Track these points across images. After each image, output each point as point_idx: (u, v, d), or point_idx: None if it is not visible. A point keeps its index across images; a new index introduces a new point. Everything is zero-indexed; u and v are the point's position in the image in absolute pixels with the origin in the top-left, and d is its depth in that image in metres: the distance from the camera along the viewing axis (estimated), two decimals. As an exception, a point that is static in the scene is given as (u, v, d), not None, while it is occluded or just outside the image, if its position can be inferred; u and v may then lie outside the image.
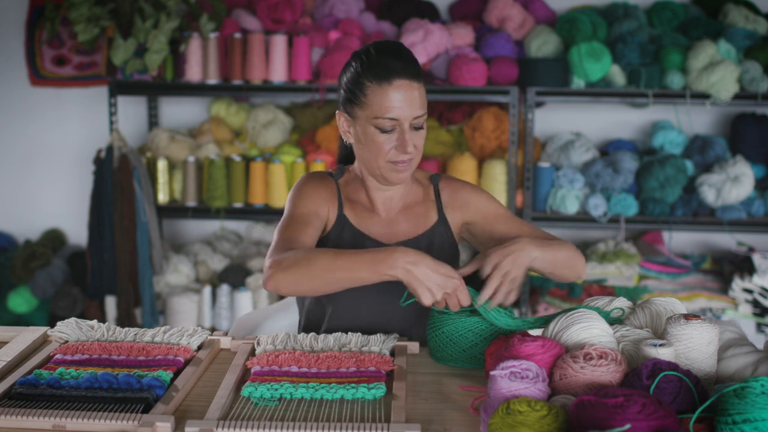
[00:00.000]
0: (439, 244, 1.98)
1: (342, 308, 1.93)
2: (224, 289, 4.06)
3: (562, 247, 1.83)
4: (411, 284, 1.63)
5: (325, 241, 1.95)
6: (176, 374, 1.65)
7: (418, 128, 1.84)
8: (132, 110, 4.40)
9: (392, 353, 1.77)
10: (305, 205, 1.91)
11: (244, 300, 4.05)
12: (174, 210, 4.07)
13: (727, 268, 4.01)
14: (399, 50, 1.85)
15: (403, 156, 1.84)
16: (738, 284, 3.84)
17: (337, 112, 1.93)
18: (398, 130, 1.83)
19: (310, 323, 2.02)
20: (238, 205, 4.02)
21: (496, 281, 1.68)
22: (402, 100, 1.80)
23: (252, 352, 1.78)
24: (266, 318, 2.21)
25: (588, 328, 1.56)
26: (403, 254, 1.63)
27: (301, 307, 2.06)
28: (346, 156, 2.07)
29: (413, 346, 1.82)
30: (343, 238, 1.94)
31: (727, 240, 4.22)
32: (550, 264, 1.79)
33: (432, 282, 1.63)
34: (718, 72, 3.72)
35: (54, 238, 4.41)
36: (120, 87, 3.96)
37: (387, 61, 1.82)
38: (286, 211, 1.92)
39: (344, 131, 1.92)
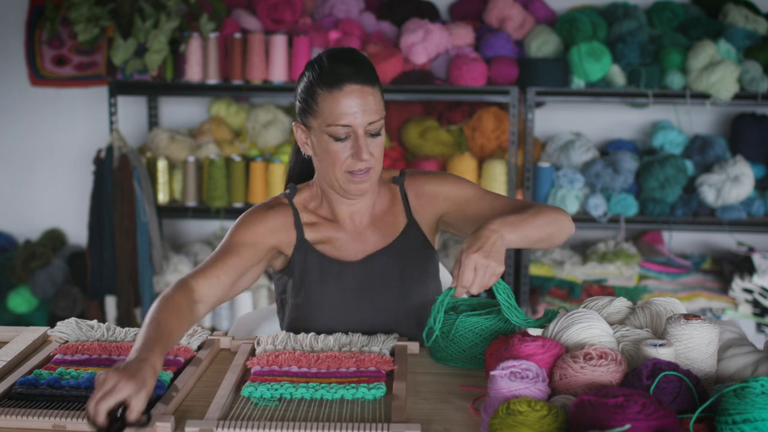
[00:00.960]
0: (412, 248, 1.93)
1: (322, 331, 1.89)
2: (224, 289, 4.05)
3: (539, 216, 1.74)
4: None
5: (292, 268, 1.90)
6: (176, 374, 1.65)
7: (374, 135, 1.78)
8: (132, 110, 4.40)
9: (392, 353, 1.77)
10: (240, 235, 1.84)
11: (244, 300, 4.05)
12: (174, 210, 4.07)
13: (727, 268, 4.01)
14: (351, 56, 1.80)
15: (360, 164, 1.78)
16: (738, 284, 3.84)
17: (293, 124, 1.87)
18: (353, 137, 1.77)
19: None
20: (238, 205, 4.02)
21: (469, 282, 1.59)
22: (354, 105, 1.75)
23: (252, 352, 1.78)
24: (266, 318, 2.21)
25: (588, 328, 1.56)
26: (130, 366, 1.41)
27: (284, 325, 2.03)
28: (299, 173, 2.01)
29: (413, 346, 1.82)
30: (307, 264, 1.89)
31: (727, 240, 4.22)
32: (528, 240, 1.72)
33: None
34: (718, 72, 3.72)
35: (54, 238, 4.41)
36: (120, 87, 3.96)
37: (337, 67, 1.77)
38: (224, 238, 1.86)
39: (302, 143, 1.87)
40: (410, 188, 1.96)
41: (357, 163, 1.78)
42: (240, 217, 1.91)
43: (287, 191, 1.96)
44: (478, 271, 1.58)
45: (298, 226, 1.91)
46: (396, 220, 1.94)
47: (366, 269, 1.90)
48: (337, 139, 1.78)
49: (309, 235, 1.91)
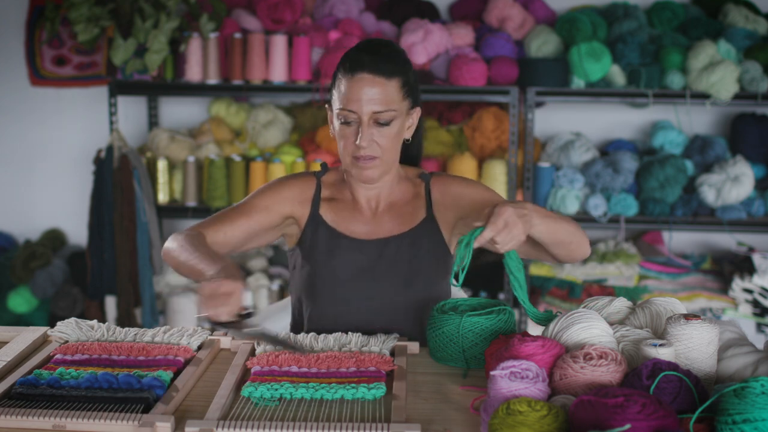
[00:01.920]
0: (426, 242, 1.96)
1: (320, 309, 1.94)
2: (224, 289, 4.05)
3: (565, 222, 1.78)
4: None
5: (303, 240, 1.96)
6: (176, 374, 1.65)
7: (383, 125, 1.84)
8: (132, 110, 4.40)
9: (392, 353, 1.77)
10: (258, 198, 1.94)
11: (244, 300, 4.04)
12: (174, 210, 4.07)
13: (727, 268, 4.01)
14: (377, 47, 1.87)
15: (359, 150, 1.84)
16: (738, 284, 3.84)
17: (326, 105, 1.95)
18: (358, 123, 1.84)
19: (296, 322, 2.05)
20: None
21: (498, 229, 1.61)
22: (362, 93, 1.82)
23: (252, 352, 1.78)
24: (266, 318, 2.21)
25: (588, 328, 1.56)
26: (225, 270, 1.63)
27: (291, 304, 2.08)
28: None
29: (413, 346, 1.82)
30: (318, 236, 1.96)
31: (727, 240, 4.22)
32: (551, 236, 1.74)
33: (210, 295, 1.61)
34: (718, 72, 3.72)
35: (54, 238, 4.41)
36: (120, 87, 3.96)
37: (358, 55, 1.85)
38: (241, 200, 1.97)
39: (330, 123, 1.94)
40: (435, 186, 1.99)
41: (358, 148, 1.85)
42: (263, 185, 2.01)
43: (321, 169, 2.04)
44: (509, 224, 1.60)
45: (316, 200, 1.98)
46: (415, 212, 1.98)
47: (376, 250, 1.94)
48: (345, 122, 1.85)
49: (324, 209, 1.98)
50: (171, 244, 1.80)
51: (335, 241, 1.94)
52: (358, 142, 1.83)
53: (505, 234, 1.61)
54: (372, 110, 1.82)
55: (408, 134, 1.94)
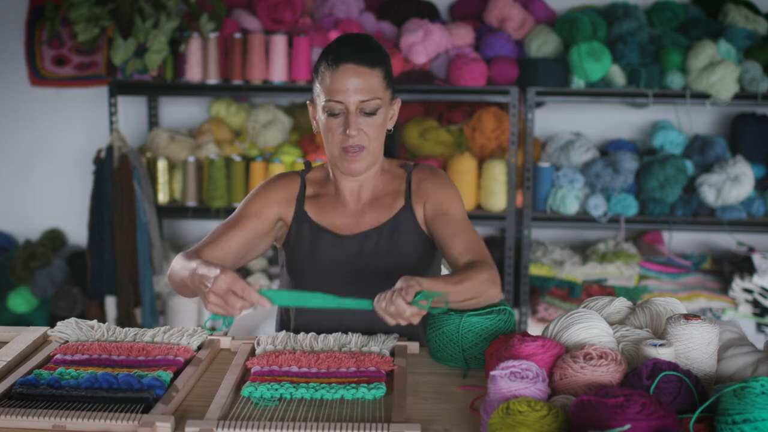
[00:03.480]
0: (404, 230, 1.98)
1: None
2: (224, 289, 4.05)
3: (464, 282, 1.70)
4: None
5: (289, 238, 2.00)
6: (176, 374, 1.65)
7: (369, 114, 1.87)
8: (132, 110, 4.40)
9: (392, 353, 1.77)
10: (246, 207, 1.97)
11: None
12: (174, 210, 4.07)
13: (727, 268, 4.01)
14: (357, 39, 1.91)
15: (348, 140, 1.87)
16: (738, 284, 3.84)
17: (307, 102, 1.98)
18: (346, 114, 1.87)
19: (282, 321, 2.07)
20: (238, 205, 4.01)
21: (388, 312, 1.57)
22: (347, 83, 1.85)
23: (252, 352, 1.78)
24: (266, 318, 2.21)
25: (588, 328, 1.56)
26: (215, 276, 1.60)
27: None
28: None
29: (413, 346, 1.83)
30: (302, 233, 1.98)
31: (727, 240, 4.22)
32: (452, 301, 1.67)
33: (217, 288, 1.59)
34: (718, 72, 3.72)
35: (54, 238, 4.41)
36: (120, 87, 3.96)
37: (340, 47, 1.88)
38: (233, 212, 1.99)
39: (312, 119, 1.97)
40: (415, 178, 2.02)
41: (347, 138, 1.87)
42: (251, 191, 2.03)
43: (305, 167, 2.07)
44: (397, 311, 1.56)
45: (300, 198, 2.01)
46: (394, 201, 2.00)
47: (357, 244, 1.96)
48: (331, 114, 1.88)
49: (308, 206, 2.00)
50: (173, 266, 1.82)
51: (317, 235, 1.97)
52: (348, 131, 1.86)
53: (392, 317, 1.57)
54: (359, 99, 1.86)
55: (390, 125, 1.97)
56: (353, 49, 1.87)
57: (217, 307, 1.59)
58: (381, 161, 2.01)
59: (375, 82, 1.87)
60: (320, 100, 1.89)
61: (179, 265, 1.78)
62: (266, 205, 1.98)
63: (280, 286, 2.08)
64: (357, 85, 1.85)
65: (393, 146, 2.11)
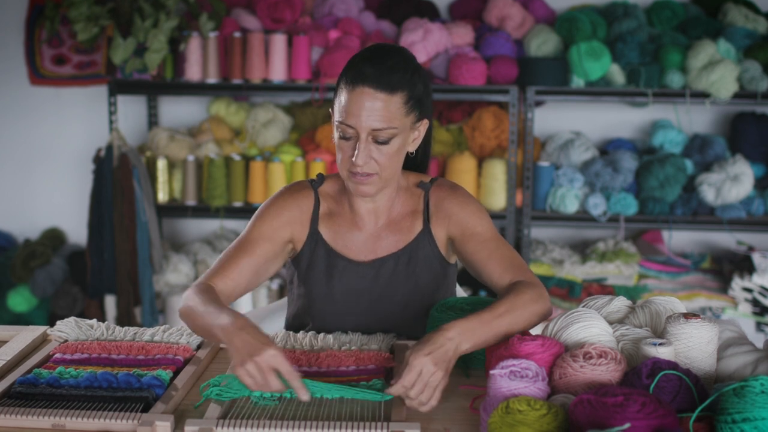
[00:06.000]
0: (422, 256, 1.88)
1: (318, 329, 1.90)
2: (224, 288, 4.05)
3: (509, 314, 1.60)
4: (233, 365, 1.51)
5: (300, 259, 1.90)
6: (176, 373, 1.65)
7: (382, 143, 1.73)
8: (132, 109, 4.40)
9: (392, 351, 1.77)
10: (258, 228, 1.85)
11: (244, 300, 4.05)
12: (174, 209, 4.07)
13: (727, 267, 4.01)
14: (383, 57, 1.75)
15: (354, 167, 1.74)
16: (738, 283, 3.84)
17: (330, 109, 1.83)
18: (356, 139, 1.74)
19: (292, 325, 2.01)
20: (237, 204, 4.02)
21: (410, 383, 1.46)
22: (361, 108, 1.71)
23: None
24: (266, 317, 2.21)
25: (587, 327, 1.56)
26: (240, 339, 1.50)
27: (286, 317, 2.05)
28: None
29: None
30: (316, 256, 1.88)
31: (726, 239, 4.22)
32: (486, 344, 1.59)
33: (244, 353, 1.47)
34: (718, 71, 3.72)
35: (54, 237, 4.41)
36: (120, 86, 3.96)
37: (362, 65, 1.73)
38: (244, 230, 1.87)
39: (333, 126, 1.84)
40: (433, 197, 1.89)
41: (354, 165, 1.75)
42: (263, 205, 1.90)
43: (317, 177, 1.95)
44: (423, 376, 1.46)
45: (315, 216, 1.89)
46: (412, 225, 1.89)
47: (373, 272, 1.88)
48: (343, 136, 1.75)
49: (323, 227, 1.89)
50: (187, 303, 1.70)
51: (332, 261, 1.87)
52: (354, 159, 1.73)
53: (420, 386, 1.45)
54: (371, 127, 1.71)
55: (412, 147, 1.82)
56: (374, 69, 1.71)
57: (249, 378, 1.46)
58: (397, 181, 1.88)
59: (393, 109, 1.72)
60: (335, 115, 1.76)
61: (195, 303, 1.66)
62: (279, 227, 1.86)
63: (289, 301, 2.01)
64: (372, 111, 1.70)
65: (421, 164, 1.96)
